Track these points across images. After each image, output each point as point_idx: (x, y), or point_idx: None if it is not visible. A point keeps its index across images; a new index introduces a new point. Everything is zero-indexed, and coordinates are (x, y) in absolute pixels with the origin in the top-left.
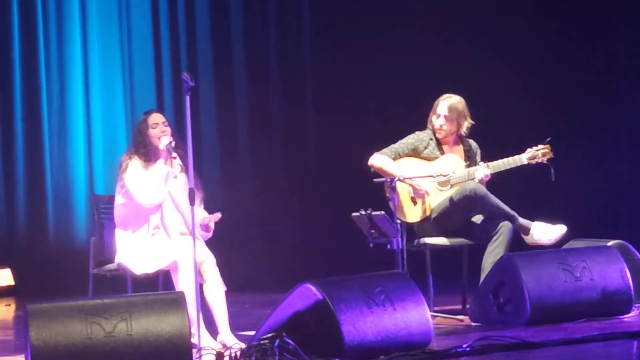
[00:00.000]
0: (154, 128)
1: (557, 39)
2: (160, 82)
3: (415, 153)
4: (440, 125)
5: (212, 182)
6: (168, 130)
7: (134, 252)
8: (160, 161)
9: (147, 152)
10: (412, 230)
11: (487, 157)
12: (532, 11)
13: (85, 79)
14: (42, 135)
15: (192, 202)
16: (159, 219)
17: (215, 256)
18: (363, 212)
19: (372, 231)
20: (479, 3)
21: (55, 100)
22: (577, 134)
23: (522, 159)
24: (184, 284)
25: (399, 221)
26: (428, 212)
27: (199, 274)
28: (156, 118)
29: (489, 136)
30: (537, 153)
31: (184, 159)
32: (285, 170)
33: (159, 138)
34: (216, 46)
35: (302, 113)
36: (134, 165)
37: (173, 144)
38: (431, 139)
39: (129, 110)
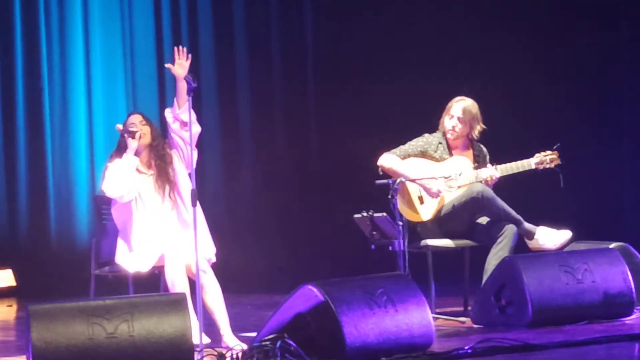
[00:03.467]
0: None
1: (562, 44)
2: (163, 82)
3: (423, 155)
4: (453, 127)
5: (213, 181)
6: (146, 128)
7: (127, 251)
8: (129, 153)
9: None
10: (414, 232)
11: (495, 162)
12: (538, 15)
13: (87, 79)
14: (44, 136)
15: (193, 204)
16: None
17: (216, 257)
18: (365, 214)
19: (374, 233)
20: (489, 2)
21: (57, 101)
22: (580, 135)
23: (531, 163)
24: (171, 276)
25: (400, 223)
26: (435, 213)
27: (188, 274)
28: (133, 119)
29: (497, 141)
30: (545, 158)
31: (164, 159)
32: (288, 171)
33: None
34: (219, 45)
35: (305, 113)
36: (113, 164)
37: (133, 127)
38: (440, 143)
39: (131, 110)
